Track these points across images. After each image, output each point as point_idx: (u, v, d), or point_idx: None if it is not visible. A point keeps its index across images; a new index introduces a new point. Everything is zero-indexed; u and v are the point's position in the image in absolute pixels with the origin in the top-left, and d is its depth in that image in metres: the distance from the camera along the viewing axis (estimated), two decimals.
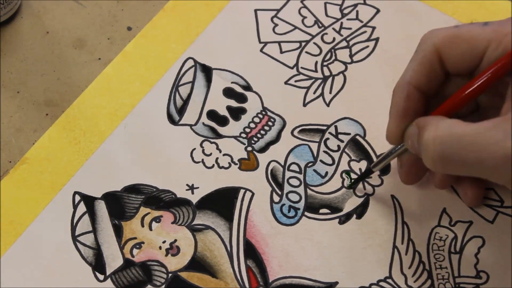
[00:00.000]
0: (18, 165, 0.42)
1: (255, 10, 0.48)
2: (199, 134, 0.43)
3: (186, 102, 0.44)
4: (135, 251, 0.39)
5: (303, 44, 0.46)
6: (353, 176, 0.41)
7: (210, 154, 0.42)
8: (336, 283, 0.38)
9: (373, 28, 0.46)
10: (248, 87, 0.45)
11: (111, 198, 0.41)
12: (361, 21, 0.47)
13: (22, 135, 0.43)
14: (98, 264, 0.39)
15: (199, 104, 0.44)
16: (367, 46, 0.46)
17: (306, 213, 0.40)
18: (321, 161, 0.42)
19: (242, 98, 0.44)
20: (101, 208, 0.40)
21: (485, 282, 0.37)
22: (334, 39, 0.46)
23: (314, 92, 0.44)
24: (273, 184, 0.41)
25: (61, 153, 0.42)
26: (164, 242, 0.39)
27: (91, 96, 0.45)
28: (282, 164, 0.42)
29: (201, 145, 0.43)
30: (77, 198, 0.41)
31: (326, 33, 0.46)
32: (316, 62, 0.45)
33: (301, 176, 0.41)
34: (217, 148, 0.42)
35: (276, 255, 0.39)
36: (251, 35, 0.47)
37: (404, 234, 0.39)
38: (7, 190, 0.41)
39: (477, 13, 0.46)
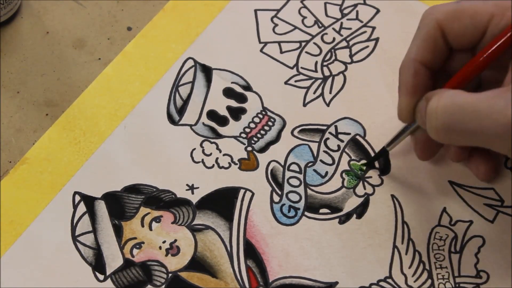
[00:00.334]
0: (18, 165, 0.42)
1: (255, 10, 0.48)
2: (199, 134, 0.43)
3: (186, 102, 0.44)
4: (135, 251, 0.39)
5: (303, 44, 0.46)
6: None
7: (210, 154, 0.42)
8: (336, 283, 0.38)
9: (373, 28, 0.46)
10: (248, 87, 0.45)
11: (111, 198, 0.41)
12: (361, 21, 0.47)
13: (22, 135, 0.43)
14: (98, 264, 0.39)
15: (199, 104, 0.44)
16: (367, 46, 0.46)
17: (306, 213, 0.40)
18: (321, 161, 0.42)
19: (242, 98, 0.44)
20: (101, 208, 0.40)
21: (485, 281, 0.37)
22: (334, 39, 0.46)
23: (314, 92, 0.44)
24: (273, 184, 0.41)
25: (61, 153, 0.42)
26: (164, 242, 0.39)
27: (91, 96, 0.45)
28: (282, 164, 0.42)
29: (201, 145, 0.43)
30: (77, 198, 0.41)
31: (326, 33, 0.46)
32: (316, 62, 0.45)
33: (301, 176, 0.41)
34: (217, 148, 0.42)
35: (276, 255, 0.39)
36: (251, 35, 0.47)
37: (404, 234, 0.39)
38: (7, 190, 0.41)
39: None
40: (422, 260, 0.38)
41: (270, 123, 0.43)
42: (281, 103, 0.44)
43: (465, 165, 0.40)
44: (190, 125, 0.43)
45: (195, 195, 0.41)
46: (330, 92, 0.44)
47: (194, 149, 0.42)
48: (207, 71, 0.45)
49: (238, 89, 0.44)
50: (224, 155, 0.42)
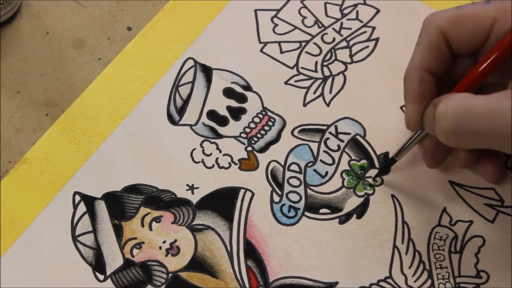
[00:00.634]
0: (18, 165, 0.42)
1: (255, 10, 0.48)
2: (199, 134, 0.43)
3: (186, 102, 0.44)
4: (135, 251, 0.39)
5: (303, 44, 0.46)
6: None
7: (210, 154, 0.42)
8: (336, 283, 0.38)
9: (373, 28, 0.46)
10: (248, 87, 0.45)
11: (111, 198, 0.41)
12: (361, 21, 0.47)
13: (22, 135, 0.43)
14: (98, 264, 0.39)
15: (199, 104, 0.44)
16: (367, 46, 0.46)
17: (306, 213, 0.40)
18: (321, 161, 0.42)
19: (242, 98, 0.44)
20: (101, 208, 0.40)
21: (485, 281, 0.37)
22: (334, 39, 0.46)
23: (314, 92, 0.44)
24: (273, 184, 0.41)
25: (61, 153, 0.42)
26: (164, 242, 0.39)
27: (91, 96, 0.45)
28: (282, 164, 0.42)
29: (201, 145, 0.43)
30: (77, 198, 0.41)
31: (326, 33, 0.46)
32: (316, 62, 0.45)
33: (301, 176, 0.41)
34: (217, 148, 0.42)
35: (276, 255, 0.39)
36: (251, 35, 0.47)
37: (404, 234, 0.39)
38: (7, 190, 0.41)
39: None
40: (422, 260, 0.38)
41: (270, 123, 0.43)
42: (281, 103, 0.44)
43: (473, 168, 0.40)
44: (190, 125, 0.43)
45: (195, 195, 0.41)
46: (330, 92, 0.44)
47: (194, 149, 0.42)
48: (207, 71, 0.45)
49: (238, 89, 0.44)
50: (224, 155, 0.42)
